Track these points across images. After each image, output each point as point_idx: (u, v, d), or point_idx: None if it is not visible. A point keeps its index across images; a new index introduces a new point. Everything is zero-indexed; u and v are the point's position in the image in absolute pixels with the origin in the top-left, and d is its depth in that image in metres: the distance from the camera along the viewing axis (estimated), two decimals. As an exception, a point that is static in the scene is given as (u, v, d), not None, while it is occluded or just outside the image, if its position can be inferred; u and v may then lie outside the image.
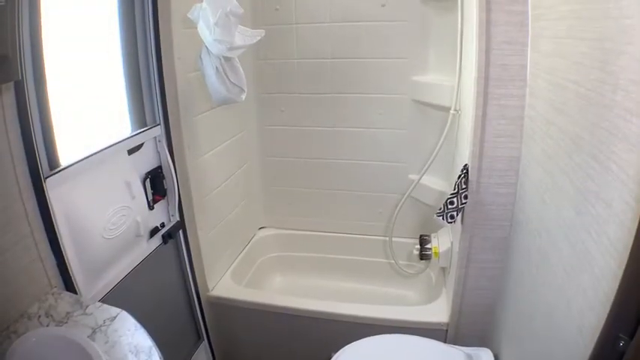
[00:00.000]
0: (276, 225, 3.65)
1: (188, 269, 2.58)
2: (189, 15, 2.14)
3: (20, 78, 1.44)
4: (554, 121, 1.63)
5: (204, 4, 2.09)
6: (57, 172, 1.70)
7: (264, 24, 3.02)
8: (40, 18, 1.60)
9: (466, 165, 2.18)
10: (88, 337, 1.44)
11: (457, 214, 2.21)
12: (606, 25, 1.22)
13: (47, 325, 1.51)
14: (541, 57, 1.82)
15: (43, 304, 1.59)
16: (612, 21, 1.18)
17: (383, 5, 2.91)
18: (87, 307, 1.59)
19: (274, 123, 3.35)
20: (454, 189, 2.20)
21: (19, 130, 1.54)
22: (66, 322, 1.52)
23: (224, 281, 2.95)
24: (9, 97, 1.48)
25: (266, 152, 3.45)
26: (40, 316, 1.54)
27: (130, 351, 1.40)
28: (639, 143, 1.01)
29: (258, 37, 2.28)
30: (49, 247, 1.67)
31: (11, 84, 1.47)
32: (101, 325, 1.51)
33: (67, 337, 1.41)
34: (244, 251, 3.33)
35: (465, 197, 2.17)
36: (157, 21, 2.16)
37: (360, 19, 2.99)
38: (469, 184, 2.16)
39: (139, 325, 1.52)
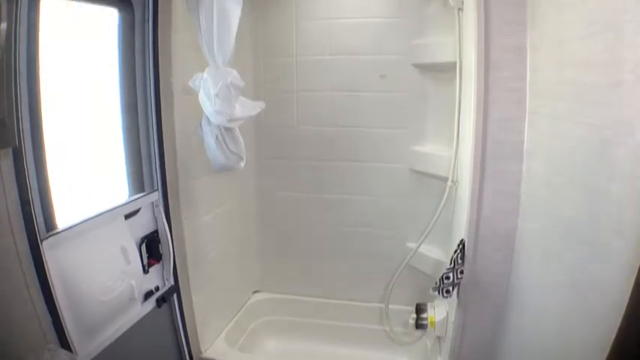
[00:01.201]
0: (272, 289, 3.60)
1: (181, 331, 2.55)
2: (190, 84, 2.19)
3: (17, 145, 1.46)
4: (551, 200, 1.64)
5: (205, 75, 2.13)
6: (53, 235, 1.71)
7: (266, 91, 3.12)
8: (39, 83, 1.64)
9: (462, 240, 2.17)
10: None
11: (453, 289, 2.19)
12: (607, 112, 1.23)
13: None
14: (538, 135, 1.84)
15: (39, 357, 1.57)
16: (613, 109, 1.19)
17: (383, 76, 2.98)
18: (80, 365, 1.56)
19: (274, 188, 3.36)
20: (450, 264, 2.19)
21: (17, 194, 1.55)
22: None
23: (217, 344, 2.90)
24: (7, 162, 1.50)
25: (264, 217, 3.45)
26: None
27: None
28: (632, 235, 1.01)
29: (259, 109, 2.32)
30: (44, 305, 1.67)
31: (9, 149, 1.48)
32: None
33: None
34: (238, 314, 3.28)
35: (461, 272, 2.16)
36: (159, 86, 2.21)
37: (360, 89, 3.06)
38: (465, 258, 2.15)
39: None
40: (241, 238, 3.28)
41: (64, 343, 1.73)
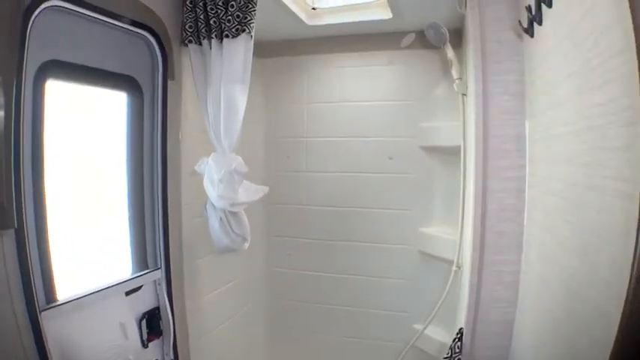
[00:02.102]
0: None
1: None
2: (196, 168, 2.26)
3: (16, 226, 1.50)
4: (541, 297, 1.62)
5: (210, 160, 2.20)
6: (53, 307, 1.75)
7: (276, 169, 3.20)
8: (44, 165, 1.73)
9: (461, 329, 2.14)
10: None
11: (451, 379, 2.14)
12: (588, 216, 1.23)
13: None
14: (535, 227, 1.84)
15: None
16: (595, 214, 1.19)
17: (390, 158, 3.03)
18: None
19: (281, 266, 3.38)
20: (448, 353, 2.16)
21: (17, 267, 1.59)
22: None
23: None
24: (9, 240, 1.54)
25: (270, 295, 3.45)
26: None
27: None
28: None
29: (262, 194, 2.37)
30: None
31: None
32: None
33: None
34: None
35: (458, 362, 2.12)
36: (166, 167, 2.28)
37: (367, 171, 3.12)
38: (463, 347, 2.11)
39: None
40: (247, 315, 3.26)
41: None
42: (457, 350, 2.12)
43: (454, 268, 2.58)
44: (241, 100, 2.19)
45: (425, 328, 2.86)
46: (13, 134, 1.45)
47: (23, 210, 1.60)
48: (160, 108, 2.25)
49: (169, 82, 2.27)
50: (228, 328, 3.01)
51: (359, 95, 3.17)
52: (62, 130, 1.86)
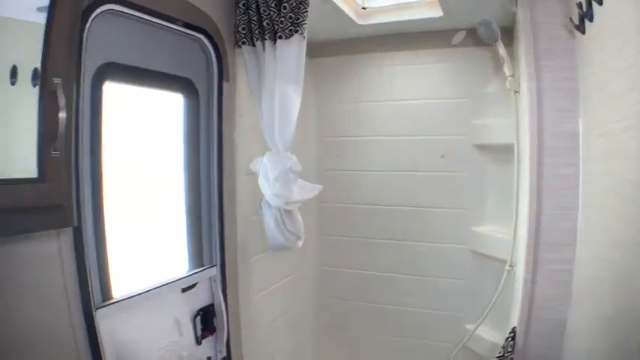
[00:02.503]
0: None
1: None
2: (251, 167, 2.30)
3: (76, 224, 1.56)
4: (595, 296, 1.59)
5: (265, 159, 2.24)
6: (108, 305, 1.80)
7: (327, 168, 3.24)
8: (102, 166, 1.79)
9: (514, 328, 2.11)
10: None
11: (502, 378, 2.12)
12: None
13: None
14: (589, 225, 1.81)
15: None
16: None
17: (442, 156, 3.01)
18: None
19: (332, 264, 3.40)
20: (500, 352, 2.13)
21: (74, 265, 1.65)
22: None
23: None
24: (67, 239, 1.61)
25: (321, 294, 3.47)
26: None
27: None
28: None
29: (316, 192, 2.39)
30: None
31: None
32: None
33: None
34: None
35: (511, 361, 2.09)
36: (222, 166, 2.34)
37: (419, 169, 3.11)
38: (515, 346, 2.08)
39: None
40: (298, 313, 3.29)
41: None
42: (509, 349, 2.09)
43: (507, 267, 2.55)
44: (295, 101, 2.23)
45: (477, 328, 2.83)
46: (74, 135, 1.50)
47: (82, 209, 1.67)
48: (215, 109, 2.31)
49: (224, 84, 2.32)
50: (280, 325, 3.04)
51: (410, 93, 3.16)
52: (120, 131, 1.92)
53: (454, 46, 2.92)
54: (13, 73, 1.32)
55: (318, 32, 2.37)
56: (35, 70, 1.34)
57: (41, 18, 1.35)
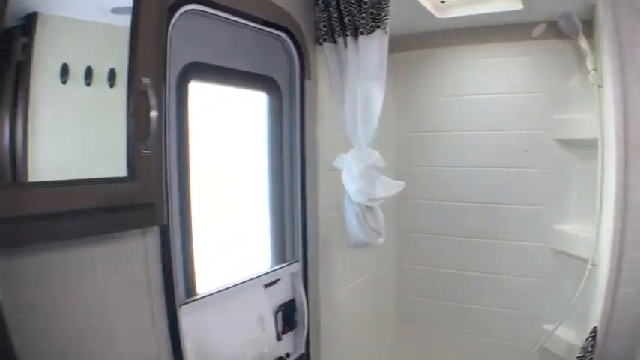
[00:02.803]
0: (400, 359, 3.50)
1: (303, 400, 2.56)
2: (334, 164, 2.28)
3: (166, 222, 1.58)
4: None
5: (348, 157, 2.21)
6: (192, 301, 1.82)
7: (407, 165, 3.20)
8: (189, 165, 1.81)
9: (595, 328, 2.01)
10: None
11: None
12: None
13: None
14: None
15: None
16: None
17: (526, 151, 2.92)
18: None
19: (411, 262, 3.33)
20: (580, 352, 2.06)
21: (160, 262, 1.68)
22: None
23: None
24: (154, 236, 1.64)
25: (400, 290, 3.41)
26: None
27: None
28: None
29: (399, 189, 2.35)
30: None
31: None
32: None
33: None
34: None
35: (590, 361, 1.99)
36: (305, 164, 2.34)
37: (499, 165, 3.01)
38: (596, 347, 1.97)
39: None
40: (376, 310, 3.25)
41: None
42: (590, 349, 2.00)
43: (589, 265, 2.45)
44: (378, 97, 2.19)
45: (556, 328, 2.72)
46: (163, 135, 1.52)
47: (170, 207, 1.69)
48: (297, 107, 2.31)
49: (306, 81, 2.32)
50: (359, 322, 3.01)
51: (490, 87, 3.06)
52: (204, 129, 1.94)
53: (534, 39, 2.82)
54: (88, 74, 1.33)
55: (397, 26, 2.32)
56: (111, 70, 1.35)
57: (116, 20, 1.36)
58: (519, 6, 2.62)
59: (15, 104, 1.18)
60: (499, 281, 3.11)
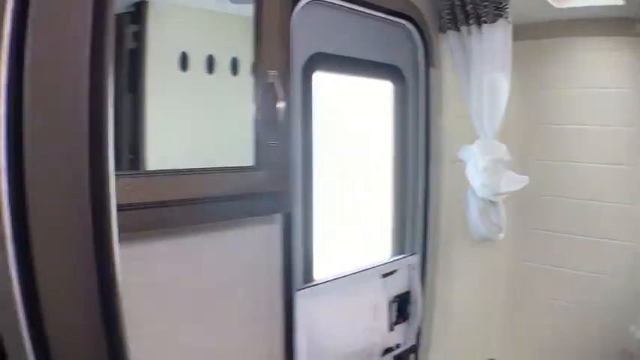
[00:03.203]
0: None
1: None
2: (459, 155, 2.22)
3: (290, 210, 1.62)
4: None
5: (474, 148, 2.14)
6: (309, 287, 1.86)
7: (531, 159, 2.99)
8: (312, 153, 1.83)
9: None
10: None
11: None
12: None
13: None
14: None
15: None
16: None
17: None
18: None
19: (532, 260, 3.14)
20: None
21: (281, 248, 1.73)
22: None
23: None
24: (276, 223, 1.69)
25: (519, 289, 3.21)
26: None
27: None
28: None
29: (523, 184, 2.24)
30: (282, 350, 1.82)
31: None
32: None
33: None
34: None
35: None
36: (429, 154, 2.30)
37: (628, 163, 2.78)
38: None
39: None
40: (489, 306, 3.12)
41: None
42: None
43: None
44: (504, 87, 2.14)
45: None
46: (289, 126, 1.54)
47: (293, 195, 1.72)
48: (423, 95, 2.27)
49: (431, 70, 2.28)
50: (472, 319, 2.92)
51: (622, 81, 2.81)
52: (328, 118, 1.95)
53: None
54: (209, 63, 1.36)
55: (516, 15, 2.21)
56: (233, 60, 1.38)
57: (235, 9, 1.39)
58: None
59: (132, 92, 1.23)
60: (622, 285, 2.85)
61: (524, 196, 2.94)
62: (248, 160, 1.42)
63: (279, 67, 1.40)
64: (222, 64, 1.39)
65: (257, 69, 1.36)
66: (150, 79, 1.24)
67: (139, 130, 1.26)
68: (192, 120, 1.40)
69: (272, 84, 1.36)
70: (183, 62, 1.31)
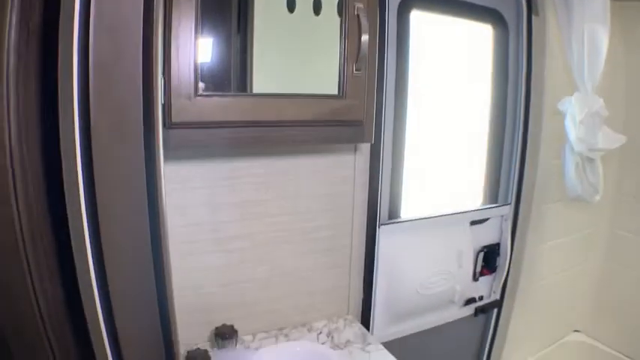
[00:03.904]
0: (594, 335, 3.14)
1: (487, 347, 2.56)
2: (558, 106, 2.17)
3: (373, 142, 1.67)
4: None
5: (573, 99, 2.09)
6: (393, 223, 1.95)
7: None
8: (407, 90, 1.88)
9: None
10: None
11: None
12: None
13: (323, 343, 1.75)
14: None
15: (331, 324, 1.84)
16: None
17: None
18: (369, 344, 1.77)
19: (629, 230, 2.92)
20: None
21: (367, 181, 1.83)
22: (341, 349, 1.74)
23: None
24: (363, 155, 1.79)
25: (610, 257, 3.04)
26: (320, 333, 1.80)
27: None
28: None
29: (619, 143, 2.16)
30: (361, 281, 1.93)
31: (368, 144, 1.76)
32: (370, 366, 1.64)
33: (332, 360, 1.60)
34: (549, 349, 3.01)
35: None
36: (529, 105, 2.26)
37: None
38: None
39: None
40: (579, 274, 3.00)
41: (365, 319, 1.96)
42: None
43: None
44: (604, 40, 2.05)
45: None
46: (378, 59, 1.60)
47: (382, 129, 1.81)
48: (524, 43, 2.21)
49: (533, 18, 2.20)
50: (559, 281, 2.84)
51: None
52: (426, 58, 1.98)
53: None
54: (317, 4, 1.47)
55: None
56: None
57: None
58: None
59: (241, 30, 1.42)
60: None
61: (627, 160, 2.80)
62: (335, 90, 1.51)
63: (365, 1, 1.45)
64: (307, 3, 1.48)
65: (344, 3, 1.43)
66: (257, 19, 1.42)
67: (246, 64, 1.43)
68: (292, 55, 1.53)
69: (357, 17, 1.44)
70: (291, 3, 1.44)
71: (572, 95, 2.14)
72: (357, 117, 1.55)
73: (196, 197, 1.50)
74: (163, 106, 1.19)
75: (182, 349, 1.44)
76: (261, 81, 1.43)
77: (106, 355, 0.78)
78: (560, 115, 2.19)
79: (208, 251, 1.57)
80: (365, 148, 1.78)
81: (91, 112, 0.69)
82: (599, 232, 2.97)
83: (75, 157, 0.70)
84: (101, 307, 0.76)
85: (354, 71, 1.49)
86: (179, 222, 1.48)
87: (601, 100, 2.08)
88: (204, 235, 1.55)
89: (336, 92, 1.50)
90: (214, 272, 1.60)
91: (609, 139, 2.16)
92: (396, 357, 1.68)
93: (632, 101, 2.76)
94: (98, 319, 0.76)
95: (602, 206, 2.73)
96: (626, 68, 2.76)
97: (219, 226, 1.57)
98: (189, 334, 1.59)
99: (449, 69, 2.09)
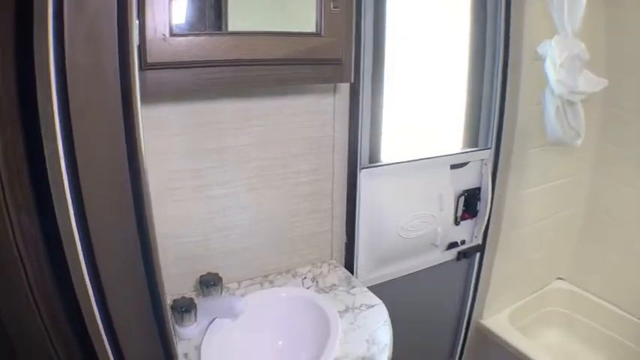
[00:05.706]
0: (577, 282, 3.18)
1: (471, 291, 2.60)
2: (538, 49, 2.14)
3: (352, 81, 1.65)
4: None
5: (552, 42, 2.07)
6: (373, 167, 1.94)
7: (620, 66, 2.70)
8: (384, 29, 1.85)
9: None
10: (339, 312, 1.61)
11: None
12: None
13: (307, 288, 1.76)
14: None
15: (316, 269, 1.86)
16: None
17: None
18: (353, 287, 1.78)
19: (612, 178, 2.93)
20: None
21: (347, 123, 1.81)
22: (326, 293, 1.74)
23: (499, 317, 2.80)
24: (342, 96, 1.76)
25: (593, 205, 3.05)
26: (305, 278, 1.81)
27: (366, 339, 1.51)
28: None
29: (601, 87, 2.14)
30: (343, 225, 1.93)
31: (347, 84, 1.73)
32: (355, 308, 1.66)
33: (318, 305, 1.62)
34: (532, 296, 3.06)
35: None
36: (508, 49, 2.23)
37: None
38: None
39: (388, 322, 1.60)
40: (561, 221, 2.99)
41: (349, 264, 1.98)
42: None
43: None
44: None
45: None
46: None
47: (361, 70, 1.77)
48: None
49: None
50: (542, 226, 2.84)
51: None
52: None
53: None
54: None
55: None
56: None
57: None
58: None
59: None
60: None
61: (610, 107, 2.80)
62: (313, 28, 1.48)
63: None
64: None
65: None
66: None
67: (221, 2, 1.38)
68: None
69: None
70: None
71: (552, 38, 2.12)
72: (336, 55, 1.53)
73: (173, 143, 1.48)
74: (138, 47, 1.14)
75: (168, 299, 1.42)
76: (238, 19, 1.40)
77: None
78: (541, 62, 2.17)
79: (189, 199, 1.55)
80: (344, 89, 1.75)
81: (66, 52, 0.66)
82: (582, 180, 2.99)
83: (52, 109, 0.67)
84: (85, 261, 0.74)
85: (332, 8, 1.46)
86: (159, 168, 1.47)
87: (582, 44, 2.05)
88: (185, 182, 1.54)
89: (314, 30, 1.47)
90: (197, 220, 1.59)
91: (590, 83, 2.14)
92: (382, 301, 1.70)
93: (613, 47, 2.75)
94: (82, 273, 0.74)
95: (584, 154, 2.76)
96: (606, 14, 2.74)
97: (199, 173, 1.55)
98: (175, 284, 1.59)
99: (427, 12, 2.06)
